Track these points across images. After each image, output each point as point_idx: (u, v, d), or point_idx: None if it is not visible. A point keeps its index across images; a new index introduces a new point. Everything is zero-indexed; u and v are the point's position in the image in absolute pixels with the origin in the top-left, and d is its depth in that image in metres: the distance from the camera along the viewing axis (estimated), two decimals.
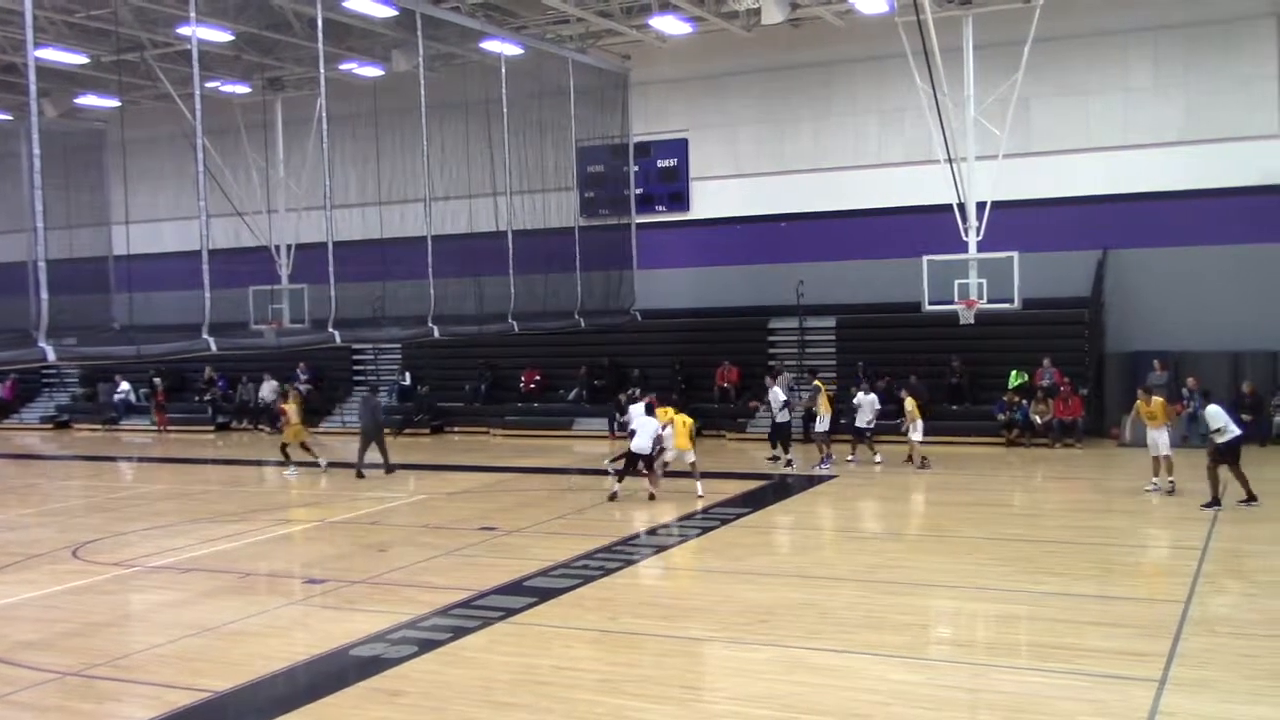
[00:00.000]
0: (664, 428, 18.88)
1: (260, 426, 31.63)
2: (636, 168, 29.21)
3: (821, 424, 22.53)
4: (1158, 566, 14.47)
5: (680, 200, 29.83)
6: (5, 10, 21.40)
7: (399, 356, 32.19)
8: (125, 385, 34.68)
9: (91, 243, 29.82)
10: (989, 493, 20.04)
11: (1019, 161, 24.11)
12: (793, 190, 28.48)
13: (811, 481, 20.92)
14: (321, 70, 20.69)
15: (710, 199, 29.59)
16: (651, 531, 16.35)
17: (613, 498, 18.58)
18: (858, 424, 22.30)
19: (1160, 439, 17.92)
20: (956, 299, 22.41)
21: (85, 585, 14.03)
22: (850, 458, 22.45)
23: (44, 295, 14.86)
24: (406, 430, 29.63)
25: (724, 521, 17.07)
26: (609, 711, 9.03)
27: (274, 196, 29.00)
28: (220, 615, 12.25)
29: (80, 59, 26.95)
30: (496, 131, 24.34)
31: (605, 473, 20.42)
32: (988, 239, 22.72)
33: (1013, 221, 23.49)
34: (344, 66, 27.37)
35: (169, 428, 32.82)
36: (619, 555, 14.71)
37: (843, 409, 23.85)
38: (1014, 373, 25.40)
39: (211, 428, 32.79)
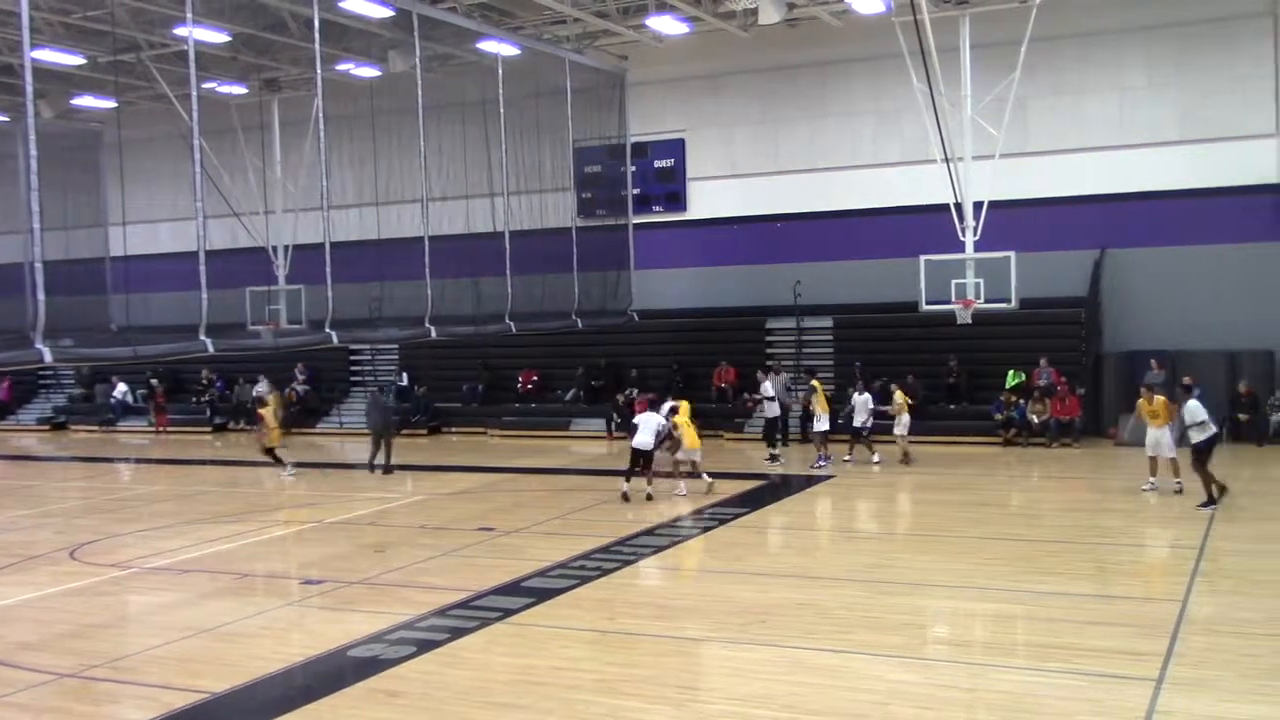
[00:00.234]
0: (673, 425, 18.90)
1: (241, 425, 31.61)
2: (633, 168, 29.21)
3: (819, 423, 22.59)
4: (1155, 566, 14.48)
5: (677, 200, 29.84)
6: (1, 11, 21.40)
7: (396, 357, 32.17)
8: (122, 386, 34.65)
9: (88, 244, 29.76)
10: (986, 492, 20.04)
11: (1016, 161, 24.15)
12: (790, 190, 28.49)
13: (809, 481, 20.94)
14: (318, 71, 20.66)
15: (707, 199, 29.61)
16: (649, 532, 16.34)
17: (625, 498, 18.53)
18: (855, 424, 22.36)
19: (1163, 439, 17.87)
20: (953, 299, 22.45)
21: (83, 586, 14.02)
22: (847, 458, 22.48)
23: (41, 296, 14.85)
24: (404, 431, 29.60)
25: (721, 521, 17.08)
26: (606, 712, 9.03)
27: (271, 197, 28.99)
28: (218, 616, 12.25)
29: (77, 60, 26.90)
30: (493, 132, 24.33)
31: (612, 473, 20.41)
32: (984, 239, 22.77)
33: (1009, 221, 23.52)
34: (341, 67, 27.36)
35: (167, 429, 32.79)
36: (617, 556, 14.71)
37: (840, 408, 23.89)
38: (1011, 372, 25.41)
39: (209, 429, 32.76)
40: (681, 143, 29.70)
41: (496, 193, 24.64)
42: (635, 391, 27.77)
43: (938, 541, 15.43)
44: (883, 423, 22.65)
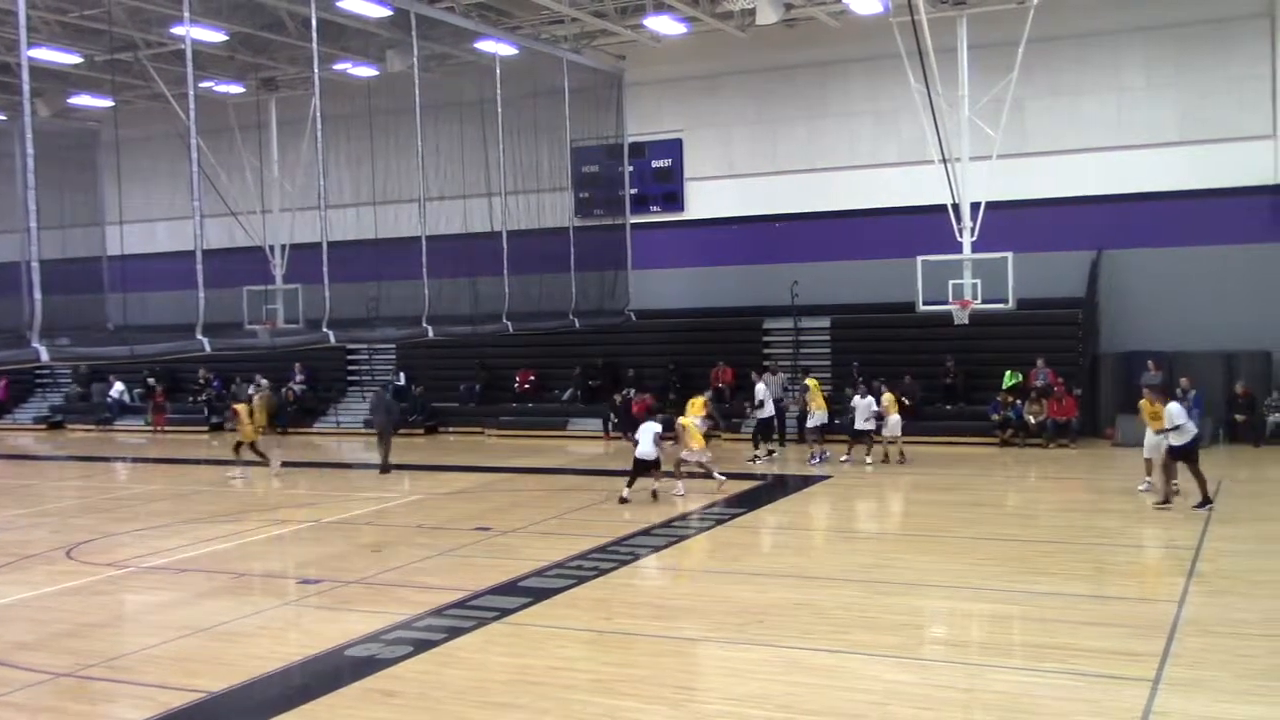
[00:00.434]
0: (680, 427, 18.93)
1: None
2: (631, 168, 29.19)
3: (812, 420, 22.63)
4: (1151, 566, 14.48)
5: (675, 200, 29.84)
6: None
7: (393, 357, 32.15)
8: (119, 385, 34.62)
9: (85, 243, 29.76)
10: (983, 493, 20.05)
11: (1013, 162, 24.18)
12: (787, 190, 28.50)
13: (805, 482, 20.95)
14: (316, 70, 20.65)
15: (705, 199, 29.61)
16: (646, 532, 16.33)
17: (623, 501, 18.50)
18: (856, 426, 22.32)
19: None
20: (951, 299, 22.48)
21: (79, 586, 14.00)
22: (844, 458, 22.47)
23: (38, 295, 14.85)
24: (401, 431, 29.57)
25: (718, 521, 17.09)
26: (603, 712, 9.03)
27: (268, 196, 29.00)
28: (214, 616, 12.24)
29: (74, 59, 26.90)
30: (491, 131, 24.32)
31: (609, 473, 20.41)
32: (982, 239, 22.78)
33: (1007, 222, 23.54)
34: (338, 66, 27.36)
35: (164, 428, 32.76)
36: (613, 555, 14.70)
37: (839, 409, 23.90)
38: (1008, 373, 25.41)
39: (205, 428, 32.73)
40: (679, 143, 29.71)
41: (494, 192, 24.63)
42: (633, 391, 27.82)
43: (935, 542, 15.43)
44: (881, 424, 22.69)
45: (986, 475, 21.62)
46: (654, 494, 18.55)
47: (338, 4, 22.68)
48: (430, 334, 22.51)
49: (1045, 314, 25.31)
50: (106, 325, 27.68)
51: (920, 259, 22.70)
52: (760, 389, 23.42)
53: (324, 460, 27.23)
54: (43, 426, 34.99)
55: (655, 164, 29.84)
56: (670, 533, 16.34)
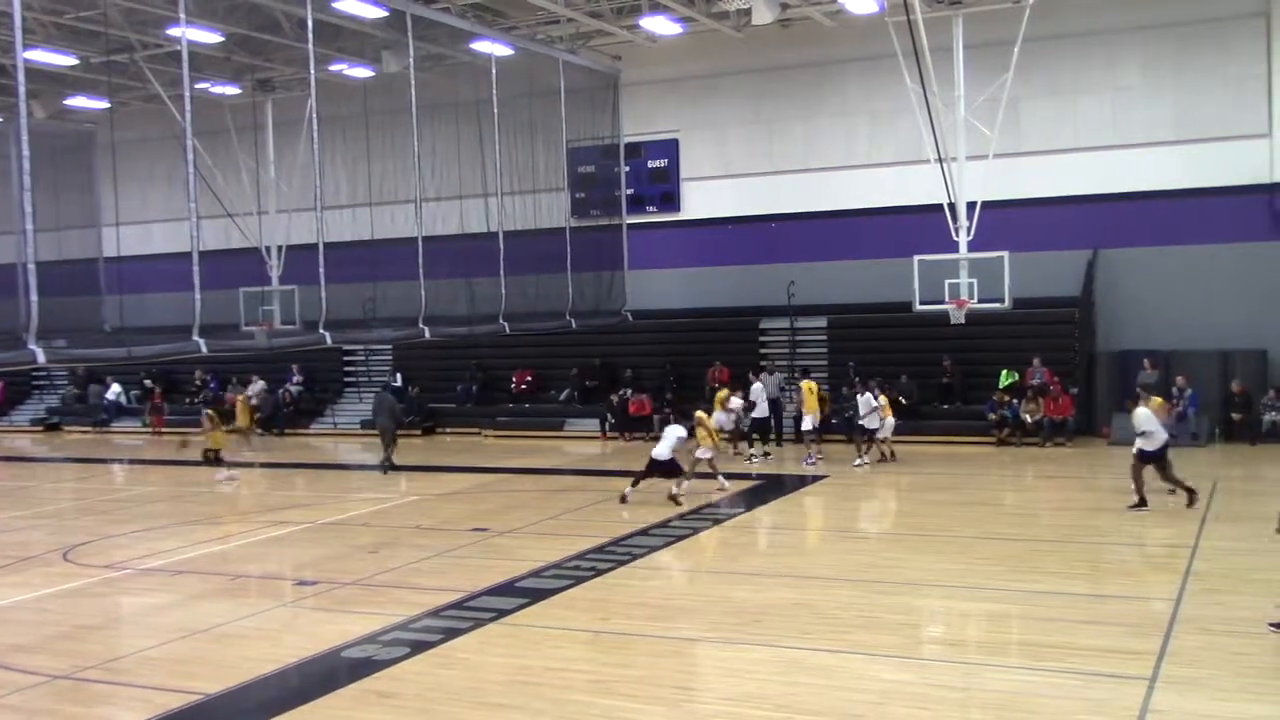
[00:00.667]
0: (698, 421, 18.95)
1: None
2: (627, 168, 29.17)
3: (806, 422, 22.64)
4: (1148, 565, 14.48)
5: (671, 201, 29.83)
6: None
7: (390, 358, 32.14)
8: (116, 387, 34.57)
9: (81, 244, 29.73)
10: (980, 492, 20.07)
11: (1009, 161, 24.19)
12: (783, 190, 28.50)
13: (803, 482, 20.96)
14: (312, 71, 20.62)
15: (701, 199, 29.60)
16: (644, 532, 16.33)
17: (623, 499, 18.45)
18: (866, 426, 22.19)
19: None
20: (947, 299, 22.48)
21: (76, 588, 14.00)
22: (858, 461, 22.16)
23: (34, 297, 14.82)
24: (398, 431, 29.54)
25: (716, 522, 17.09)
26: (601, 712, 9.03)
27: (264, 198, 28.99)
28: (211, 617, 12.23)
29: (70, 60, 26.87)
30: (487, 132, 24.29)
31: (606, 474, 20.40)
32: (978, 239, 22.79)
33: (1003, 221, 23.57)
34: (334, 67, 27.34)
35: (161, 430, 32.71)
36: (611, 556, 14.70)
37: (838, 409, 23.87)
38: (1004, 372, 25.43)
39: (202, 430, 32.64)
40: (675, 143, 29.70)
41: (490, 193, 24.60)
42: (630, 392, 27.83)
43: (932, 541, 15.44)
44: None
45: (983, 474, 21.64)
46: (674, 498, 18.23)
47: (333, 5, 22.68)
48: (427, 335, 22.48)
49: (1041, 313, 25.31)
50: (103, 327, 27.63)
51: (917, 259, 22.71)
52: (756, 388, 23.45)
53: (321, 461, 27.20)
54: (39, 428, 34.94)
55: (651, 164, 29.84)
56: (668, 533, 16.33)
